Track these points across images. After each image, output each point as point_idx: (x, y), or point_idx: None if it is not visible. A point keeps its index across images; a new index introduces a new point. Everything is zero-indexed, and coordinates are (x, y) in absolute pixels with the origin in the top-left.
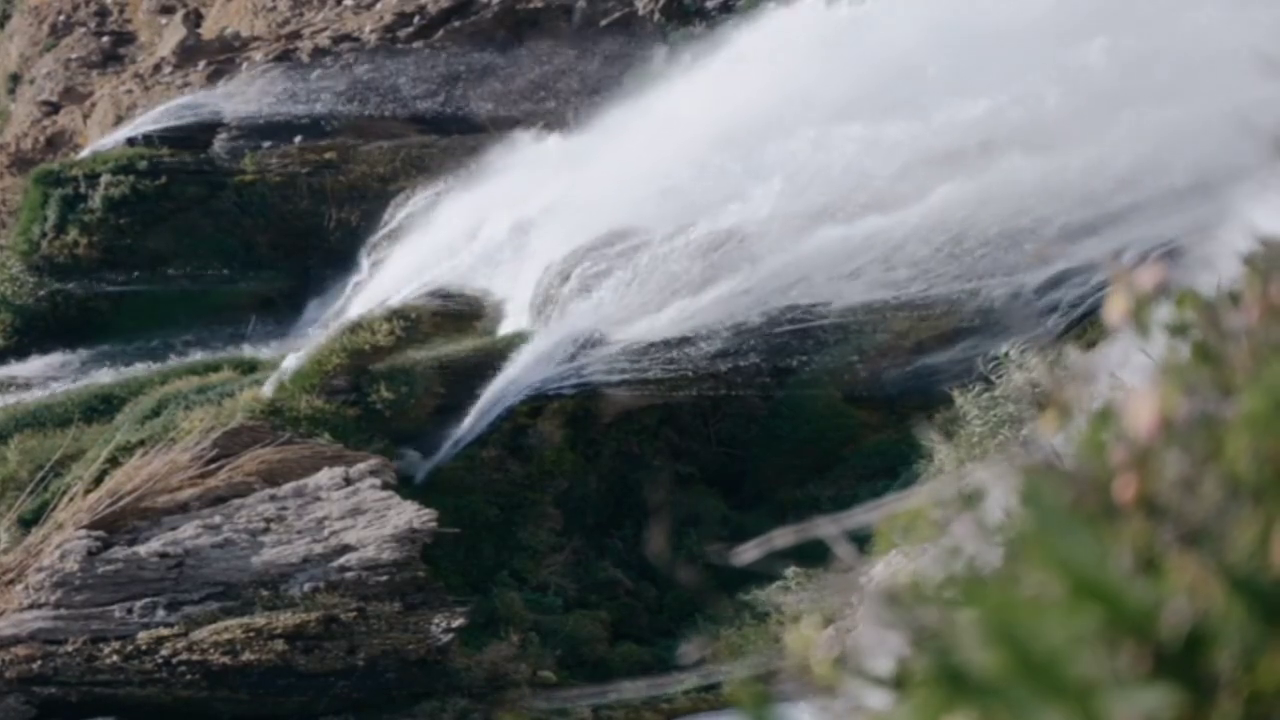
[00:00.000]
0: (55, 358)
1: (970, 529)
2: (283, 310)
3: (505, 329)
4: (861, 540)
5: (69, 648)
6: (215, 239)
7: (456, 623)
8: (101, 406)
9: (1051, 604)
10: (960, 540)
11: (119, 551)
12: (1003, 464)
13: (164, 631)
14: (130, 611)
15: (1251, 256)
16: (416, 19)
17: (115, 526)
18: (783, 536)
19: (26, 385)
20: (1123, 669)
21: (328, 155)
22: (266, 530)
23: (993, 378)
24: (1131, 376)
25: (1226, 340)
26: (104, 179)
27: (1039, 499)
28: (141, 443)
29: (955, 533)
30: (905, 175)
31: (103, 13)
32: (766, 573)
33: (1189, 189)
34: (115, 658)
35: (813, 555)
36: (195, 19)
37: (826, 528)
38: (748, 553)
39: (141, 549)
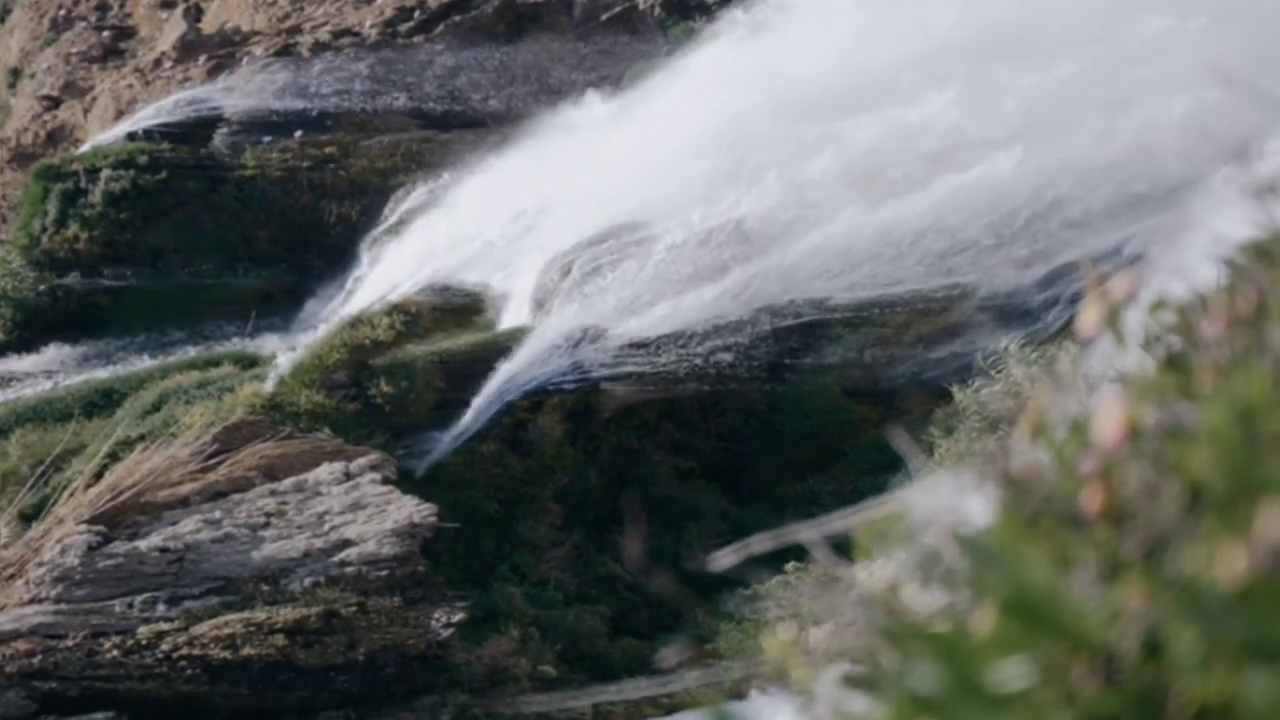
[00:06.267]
0: (56, 352)
1: (942, 537)
2: (283, 305)
3: (506, 324)
4: (848, 544)
5: (69, 642)
6: (215, 234)
7: (456, 618)
8: (102, 401)
9: (1000, 629)
10: (934, 547)
11: (119, 546)
12: (975, 472)
13: (164, 626)
14: (130, 606)
15: (1231, 259)
16: (417, 14)
17: (116, 521)
18: (760, 543)
19: (27, 380)
20: (1074, 684)
21: (328, 150)
22: (267, 525)
23: (992, 373)
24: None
25: (1197, 348)
26: (104, 174)
27: (993, 521)
28: (142, 438)
29: (928, 540)
30: (903, 170)
31: (103, 7)
32: (768, 567)
33: (1158, 194)
34: (115, 652)
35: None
36: (195, 13)
37: (806, 533)
38: (725, 558)
39: (142, 544)
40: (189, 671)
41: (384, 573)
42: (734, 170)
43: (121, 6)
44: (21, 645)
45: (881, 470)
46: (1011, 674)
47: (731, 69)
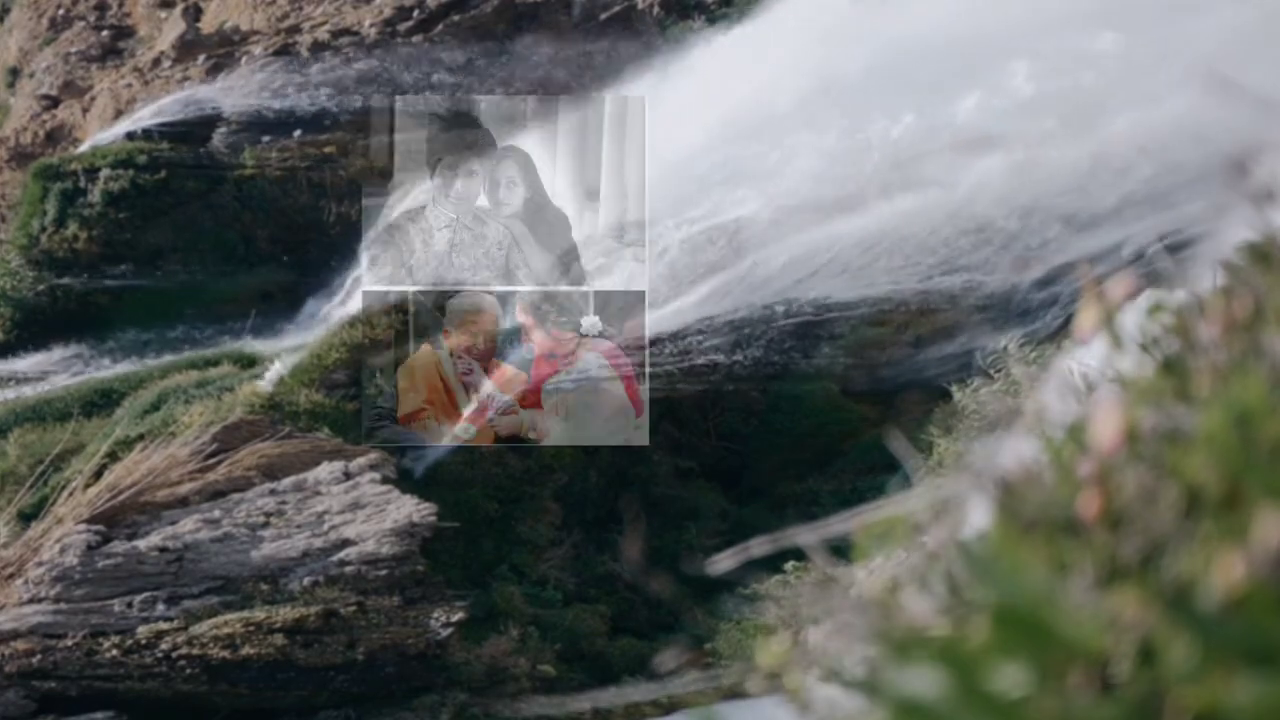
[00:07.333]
0: (54, 352)
1: (943, 539)
2: (282, 305)
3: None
4: (847, 545)
5: (68, 642)
6: (215, 233)
7: (456, 617)
8: (101, 401)
9: (996, 635)
10: (934, 549)
11: (118, 546)
12: (970, 477)
13: (163, 626)
14: (130, 606)
15: (1231, 262)
16: (416, 13)
17: (115, 521)
18: (759, 546)
19: (25, 379)
20: (1070, 693)
21: (328, 150)
22: (266, 524)
23: (991, 372)
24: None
25: (1194, 352)
26: (103, 173)
27: (989, 526)
28: (141, 437)
29: (929, 542)
30: (902, 169)
31: (102, 6)
32: (768, 566)
33: (1159, 194)
34: (115, 652)
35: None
36: (194, 13)
37: (805, 536)
38: (724, 561)
39: (141, 543)
40: (188, 671)
41: (383, 572)
42: (733, 168)
43: (120, 6)
44: (20, 645)
45: (881, 470)
46: (1008, 681)
47: (833, 24)
